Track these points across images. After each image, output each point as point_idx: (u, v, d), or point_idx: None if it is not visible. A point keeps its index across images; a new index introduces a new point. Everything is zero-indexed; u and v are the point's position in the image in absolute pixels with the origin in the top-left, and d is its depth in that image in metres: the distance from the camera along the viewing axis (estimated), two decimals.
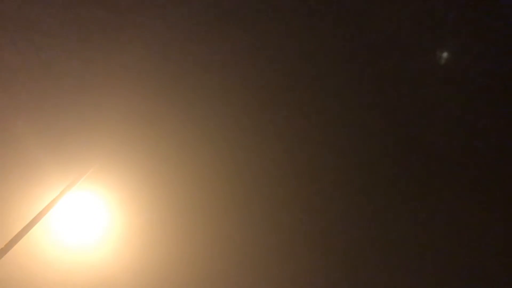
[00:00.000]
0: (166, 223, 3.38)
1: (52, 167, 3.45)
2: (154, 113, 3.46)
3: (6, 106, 3.40)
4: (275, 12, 3.91)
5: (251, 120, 3.79)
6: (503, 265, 4.12)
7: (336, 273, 3.75)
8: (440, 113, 4.45)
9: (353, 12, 4.05)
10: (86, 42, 3.48)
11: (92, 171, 3.34)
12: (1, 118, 3.30)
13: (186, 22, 3.70)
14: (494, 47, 4.28)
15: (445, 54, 4.47)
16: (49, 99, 3.44)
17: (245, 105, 3.79)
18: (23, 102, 3.44)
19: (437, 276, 4.06)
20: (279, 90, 4.33)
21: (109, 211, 3.53)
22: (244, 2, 3.73)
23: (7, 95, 3.41)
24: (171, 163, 3.20)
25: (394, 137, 4.28)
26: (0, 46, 3.37)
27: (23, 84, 3.43)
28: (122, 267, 3.56)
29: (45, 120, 3.45)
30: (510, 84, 4.38)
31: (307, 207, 3.87)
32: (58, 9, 3.53)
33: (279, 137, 3.92)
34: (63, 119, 3.45)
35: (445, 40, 4.35)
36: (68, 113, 3.47)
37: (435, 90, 4.53)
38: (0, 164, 3.29)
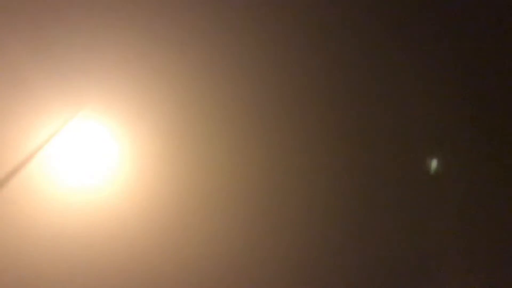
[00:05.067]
0: (185, 153, 3.02)
1: (53, 94, 3.10)
2: (165, 36, 3.17)
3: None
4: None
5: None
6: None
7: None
8: None
9: None
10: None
11: (96, 99, 3.01)
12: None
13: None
14: None
15: None
16: (50, 24, 3.19)
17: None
18: (20, 21, 3.18)
19: None
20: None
21: (117, 142, 3.14)
22: None
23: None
24: (192, 85, 2.88)
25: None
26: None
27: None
28: (132, 203, 3.19)
29: (45, 45, 3.17)
30: None
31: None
32: None
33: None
34: (66, 43, 3.17)
35: None
36: (71, 36, 3.19)
37: None
38: None
